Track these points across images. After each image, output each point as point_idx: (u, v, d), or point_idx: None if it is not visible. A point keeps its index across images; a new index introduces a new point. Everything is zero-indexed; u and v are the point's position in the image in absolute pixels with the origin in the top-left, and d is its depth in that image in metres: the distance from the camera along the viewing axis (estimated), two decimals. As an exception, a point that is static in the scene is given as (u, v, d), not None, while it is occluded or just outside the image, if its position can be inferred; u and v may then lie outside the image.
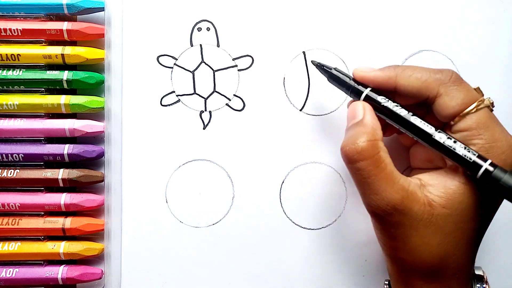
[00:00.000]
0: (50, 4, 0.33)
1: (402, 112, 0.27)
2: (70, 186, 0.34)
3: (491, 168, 0.24)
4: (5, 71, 0.33)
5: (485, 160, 0.24)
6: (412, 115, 0.27)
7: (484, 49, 0.34)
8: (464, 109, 0.26)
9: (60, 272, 0.33)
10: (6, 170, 0.33)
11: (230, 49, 0.34)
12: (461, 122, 0.26)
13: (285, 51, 0.34)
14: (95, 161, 0.35)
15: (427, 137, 0.26)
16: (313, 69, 0.33)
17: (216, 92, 0.35)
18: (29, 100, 0.33)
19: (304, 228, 0.34)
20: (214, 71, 0.35)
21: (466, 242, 0.26)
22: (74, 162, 0.34)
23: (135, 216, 0.34)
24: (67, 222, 0.33)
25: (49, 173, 0.33)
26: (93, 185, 0.35)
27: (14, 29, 0.33)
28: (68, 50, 0.33)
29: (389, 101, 0.27)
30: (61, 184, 0.33)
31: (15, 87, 0.33)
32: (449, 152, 0.25)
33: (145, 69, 0.34)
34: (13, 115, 0.34)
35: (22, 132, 0.33)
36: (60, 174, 0.33)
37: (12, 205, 0.33)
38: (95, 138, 0.34)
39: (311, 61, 0.31)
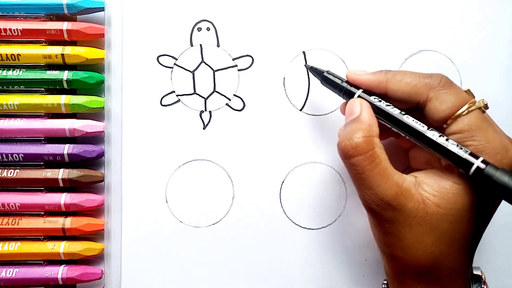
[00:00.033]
0: (50, 4, 0.33)
1: (395, 111, 0.27)
2: (70, 186, 0.34)
3: (482, 165, 0.24)
4: (5, 71, 0.33)
5: (477, 157, 0.24)
6: (404, 114, 0.27)
7: (484, 49, 0.34)
8: (455, 112, 0.26)
9: (60, 272, 0.33)
10: (6, 170, 0.33)
11: (230, 49, 0.34)
12: (453, 125, 0.26)
13: (285, 51, 0.34)
14: (95, 161, 0.35)
15: (420, 135, 0.26)
16: (313, 69, 0.33)
17: (216, 92, 0.35)
18: (29, 100, 0.33)
19: (304, 228, 0.34)
20: (214, 71, 0.35)
21: (461, 243, 0.26)
22: (74, 162, 0.34)
23: (135, 216, 0.34)
24: (67, 222, 0.33)
25: (49, 173, 0.33)
26: (93, 185, 0.35)
27: (14, 29, 0.33)
28: (68, 50, 0.33)
29: (382, 101, 0.28)
30: (61, 184, 0.33)
31: (15, 87, 0.33)
32: (442, 150, 0.25)
33: (145, 69, 0.34)
34: (13, 115, 0.34)
35: (22, 132, 0.33)
36: (60, 174, 0.33)
37: (12, 205, 0.33)
38: (95, 138, 0.34)
39: (304, 65, 0.31)
